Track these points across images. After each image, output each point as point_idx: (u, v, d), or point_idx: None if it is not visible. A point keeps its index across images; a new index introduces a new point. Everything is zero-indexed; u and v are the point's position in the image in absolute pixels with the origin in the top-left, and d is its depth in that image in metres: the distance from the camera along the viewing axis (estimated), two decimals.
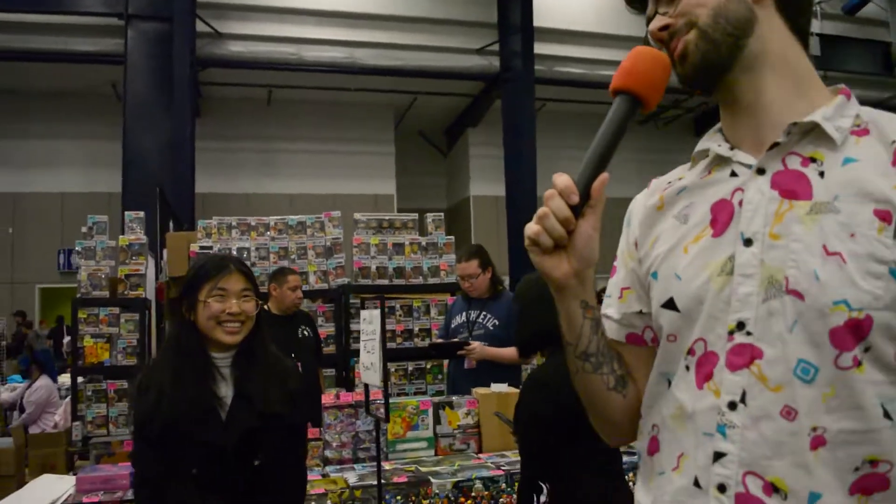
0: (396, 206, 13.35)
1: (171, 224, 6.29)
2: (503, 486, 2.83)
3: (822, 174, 0.95)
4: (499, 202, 12.26)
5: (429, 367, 4.97)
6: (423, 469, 3.01)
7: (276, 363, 2.16)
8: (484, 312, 4.08)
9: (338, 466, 3.12)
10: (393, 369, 4.99)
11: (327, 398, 3.31)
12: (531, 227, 0.98)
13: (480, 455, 3.27)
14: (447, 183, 15.25)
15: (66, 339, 11.51)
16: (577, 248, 1.00)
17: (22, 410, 6.54)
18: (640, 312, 1.11)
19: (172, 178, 9.53)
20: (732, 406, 0.93)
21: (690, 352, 0.98)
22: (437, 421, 3.38)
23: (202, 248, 4.93)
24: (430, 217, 5.34)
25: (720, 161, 1.05)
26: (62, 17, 10.41)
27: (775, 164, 0.98)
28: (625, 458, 2.39)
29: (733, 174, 1.01)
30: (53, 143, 12.54)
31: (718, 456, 0.93)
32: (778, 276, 0.92)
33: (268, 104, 13.02)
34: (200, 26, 10.57)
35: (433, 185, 15.14)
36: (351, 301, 5.19)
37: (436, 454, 3.32)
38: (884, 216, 0.89)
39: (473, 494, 2.73)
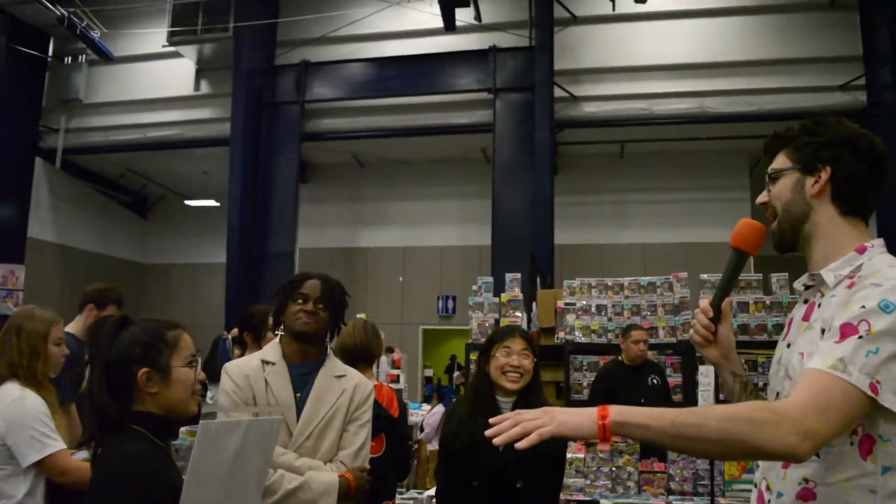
0: None
1: (538, 279, 7.29)
2: None
3: (819, 305, 1.55)
4: None
5: None
6: None
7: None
8: None
9: (679, 496, 3.65)
10: None
11: None
12: (691, 332, 1.75)
13: None
14: None
15: (456, 373, 13.27)
16: (720, 342, 1.74)
17: (421, 430, 7.96)
18: None
19: (534, 233, 10.62)
20: None
21: None
22: None
23: (567, 304, 5.79)
24: (774, 277, 5.55)
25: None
26: (443, 96, 12.19)
27: (811, 297, 1.61)
28: None
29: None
30: (434, 203, 14.21)
31: (757, 466, 1.64)
32: (787, 366, 1.57)
33: (620, 157, 13.46)
34: (558, 92, 11.54)
35: None
36: (697, 355, 5.59)
37: None
38: (822, 331, 1.47)
39: None
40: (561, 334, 5.79)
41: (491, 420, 1.53)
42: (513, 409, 2.65)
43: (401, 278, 14.44)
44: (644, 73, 11.92)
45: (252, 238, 11.98)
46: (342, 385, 2.52)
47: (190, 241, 15.95)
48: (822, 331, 1.47)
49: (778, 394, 1.60)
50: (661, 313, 5.70)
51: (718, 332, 1.72)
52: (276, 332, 2.58)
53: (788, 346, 1.60)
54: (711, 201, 13.23)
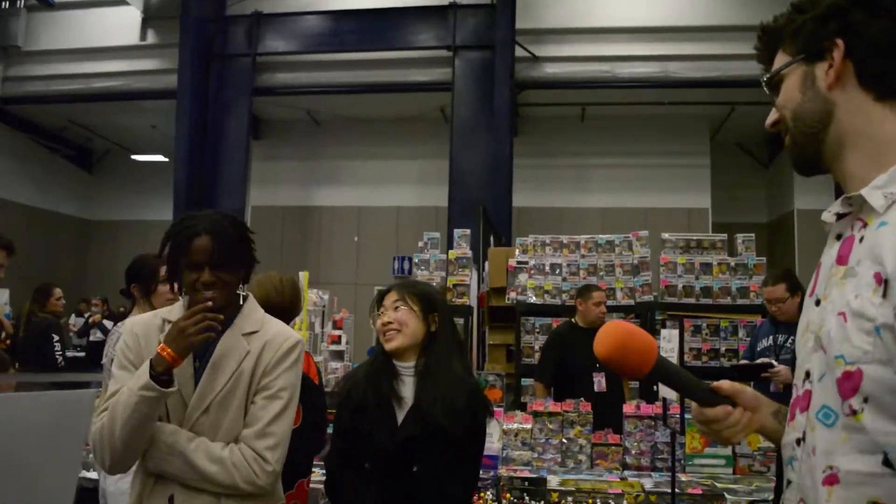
0: (711, 220, 12.88)
1: (491, 238, 6.95)
2: None
3: (861, 239, 1.05)
4: None
5: None
6: (719, 485, 3.11)
7: (452, 380, 2.24)
8: (792, 337, 3.99)
9: (636, 472, 3.35)
10: None
11: (629, 408, 3.56)
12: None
13: None
14: (767, 196, 14.31)
15: None
16: (749, 405, 1.27)
17: None
18: None
19: (492, 194, 10.30)
20: (798, 442, 1.08)
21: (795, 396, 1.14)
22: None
23: (519, 262, 5.44)
24: (740, 238, 5.28)
25: None
26: (401, 52, 11.80)
27: (846, 230, 1.10)
28: None
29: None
30: (391, 162, 13.88)
31: (789, 483, 1.13)
32: (819, 333, 1.06)
33: (581, 121, 13.25)
34: (519, 52, 11.21)
35: (751, 199, 14.17)
36: (657, 317, 5.34)
37: (734, 473, 3.39)
38: (877, 278, 0.97)
39: None
40: (512, 294, 5.42)
41: None
42: (415, 374, 2.27)
43: (355, 238, 14.17)
44: (607, 35, 11.62)
45: (201, 195, 11.59)
46: (248, 345, 2.01)
47: (138, 197, 15.54)
48: (878, 277, 0.98)
49: (808, 373, 1.09)
50: (619, 273, 5.38)
51: (735, 409, 1.25)
52: (178, 294, 2.09)
53: (818, 303, 1.10)
54: (672, 167, 13.13)
